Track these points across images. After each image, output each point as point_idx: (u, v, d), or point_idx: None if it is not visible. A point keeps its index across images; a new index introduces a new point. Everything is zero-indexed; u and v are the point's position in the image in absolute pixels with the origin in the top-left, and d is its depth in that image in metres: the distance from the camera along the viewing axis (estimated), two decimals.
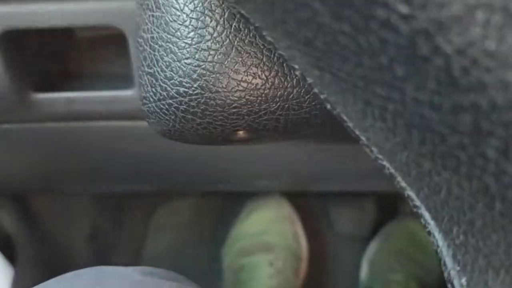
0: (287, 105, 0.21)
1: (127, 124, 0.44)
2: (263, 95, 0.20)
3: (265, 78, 0.20)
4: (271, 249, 0.72)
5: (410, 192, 0.12)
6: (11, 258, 0.64)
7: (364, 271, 0.75)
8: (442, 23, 0.08)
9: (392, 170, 0.12)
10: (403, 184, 0.12)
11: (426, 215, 0.12)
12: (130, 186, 0.61)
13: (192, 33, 0.20)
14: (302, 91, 0.20)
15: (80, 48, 0.45)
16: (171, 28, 0.20)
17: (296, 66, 0.13)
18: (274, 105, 0.21)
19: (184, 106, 0.21)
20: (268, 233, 0.73)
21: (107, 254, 0.79)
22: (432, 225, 0.11)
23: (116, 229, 0.81)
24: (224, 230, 0.81)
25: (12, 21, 0.36)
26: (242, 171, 0.56)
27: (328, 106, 0.13)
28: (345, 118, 0.12)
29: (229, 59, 0.20)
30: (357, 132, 0.12)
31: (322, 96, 0.13)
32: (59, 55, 0.44)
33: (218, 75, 0.20)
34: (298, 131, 0.23)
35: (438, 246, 0.11)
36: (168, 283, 0.28)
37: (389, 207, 0.79)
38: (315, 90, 0.13)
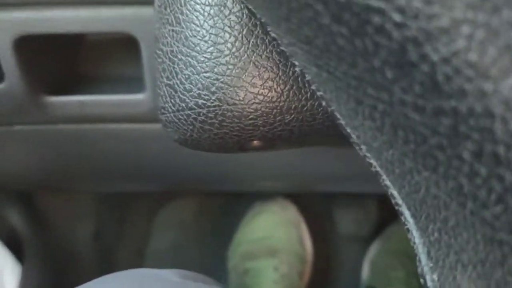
0: (301, 117, 0.22)
1: (136, 126, 0.45)
2: (278, 107, 0.21)
3: (280, 91, 0.21)
4: (276, 253, 0.72)
5: (393, 191, 0.13)
6: (19, 255, 0.65)
7: (365, 271, 0.76)
8: (431, 33, 0.09)
9: (378, 169, 0.13)
10: (387, 182, 0.13)
11: (406, 213, 0.13)
12: (136, 186, 0.62)
13: (211, 48, 0.21)
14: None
15: (92, 52, 0.45)
16: (190, 42, 0.21)
17: (297, 63, 0.14)
18: (288, 116, 0.22)
19: (202, 117, 0.22)
20: (272, 238, 0.74)
21: (111, 251, 0.80)
22: (410, 223, 0.12)
23: (120, 227, 0.82)
24: (228, 230, 0.82)
25: (28, 27, 0.37)
26: (246, 172, 0.57)
27: (324, 103, 0.14)
28: (338, 115, 0.13)
29: (246, 73, 0.21)
30: (349, 130, 0.13)
31: (318, 93, 0.14)
32: (71, 59, 0.45)
33: (235, 88, 0.21)
34: (311, 140, 0.24)
35: (414, 243, 0.12)
36: (205, 286, 0.28)
37: (391, 208, 0.80)
38: (313, 87, 0.14)
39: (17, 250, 0.66)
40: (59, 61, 0.44)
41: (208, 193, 0.82)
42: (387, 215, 0.80)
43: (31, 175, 0.53)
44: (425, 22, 0.09)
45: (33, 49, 0.40)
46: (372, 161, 0.13)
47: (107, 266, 0.79)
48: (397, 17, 0.09)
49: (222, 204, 0.85)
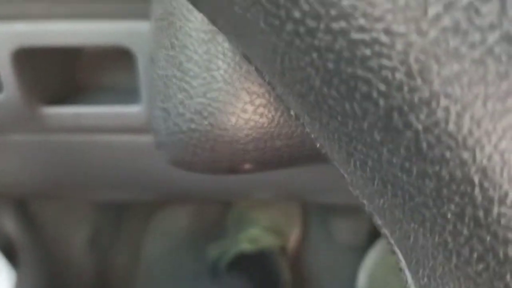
0: (291, 143, 0.22)
1: (132, 137, 0.46)
2: (269, 133, 0.22)
3: (271, 118, 0.22)
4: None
5: (385, 231, 0.13)
6: (13, 262, 0.65)
7: (361, 281, 0.76)
8: (414, 104, 0.10)
9: (371, 210, 0.13)
10: (379, 223, 0.13)
11: (399, 253, 0.13)
12: (130, 195, 0.63)
13: (204, 74, 0.21)
14: (305, 131, 0.22)
15: (89, 63, 0.46)
16: (185, 68, 0.22)
17: (290, 107, 0.14)
18: (279, 142, 0.22)
19: (195, 141, 0.22)
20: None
21: (106, 258, 0.80)
22: (403, 263, 0.13)
23: (115, 234, 0.82)
24: (222, 236, 0.82)
25: (26, 39, 0.38)
26: (240, 182, 0.57)
27: (317, 145, 0.14)
28: (331, 158, 0.14)
29: (238, 100, 0.21)
30: (342, 171, 0.14)
31: (312, 136, 0.14)
32: (68, 70, 0.45)
33: (227, 114, 0.21)
34: (301, 163, 0.25)
35: (407, 282, 0.13)
36: None
37: None
38: (306, 129, 0.14)
39: (11, 256, 0.66)
40: (56, 72, 0.44)
41: (202, 202, 0.83)
42: None
43: (26, 183, 0.54)
44: (408, 94, 0.10)
45: (31, 60, 0.41)
46: (364, 201, 0.13)
47: (101, 272, 0.79)
48: (382, 87, 0.10)
49: (217, 211, 0.85)
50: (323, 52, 0.10)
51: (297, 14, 0.10)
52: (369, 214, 0.14)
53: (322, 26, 0.10)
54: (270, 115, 0.21)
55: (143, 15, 0.37)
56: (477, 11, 0.09)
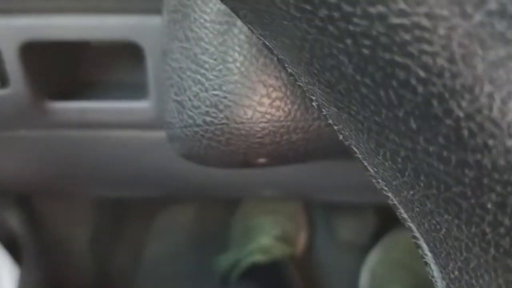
0: (307, 136, 0.22)
1: (138, 133, 0.45)
2: (285, 126, 0.21)
3: (287, 111, 0.21)
4: (276, 213, 0.78)
5: (411, 224, 0.13)
6: (16, 258, 0.65)
7: (364, 280, 0.76)
8: (455, 90, 0.09)
9: (396, 203, 0.13)
10: (405, 216, 0.13)
11: (424, 247, 0.13)
12: (135, 191, 0.62)
13: (220, 66, 0.21)
14: (322, 124, 0.21)
15: (96, 57, 0.45)
16: (200, 60, 0.21)
17: (314, 98, 0.14)
18: (295, 135, 0.22)
19: (210, 134, 0.22)
20: (275, 204, 0.79)
21: (108, 256, 0.80)
22: (429, 256, 0.12)
23: (118, 232, 0.82)
24: (225, 236, 0.82)
25: (33, 33, 0.37)
26: (246, 180, 0.57)
27: (341, 137, 0.14)
28: (355, 150, 0.13)
29: (255, 93, 0.21)
30: (366, 164, 0.13)
31: (335, 127, 0.14)
32: (75, 64, 0.45)
33: (243, 107, 0.21)
34: (316, 157, 0.24)
35: (433, 277, 0.13)
36: None
37: (389, 217, 0.81)
38: (329, 121, 0.14)
39: (15, 252, 0.66)
40: (63, 67, 0.44)
41: (207, 200, 0.82)
42: (386, 224, 0.80)
43: (32, 178, 0.53)
44: (450, 80, 0.09)
45: (38, 55, 0.40)
46: (389, 195, 0.13)
47: (103, 270, 0.79)
48: (422, 74, 0.09)
49: (220, 210, 0.85)
50: (358, 38, 0.10)
51: None
52: (393, 207, 0.13)
53: (358, 10, 0.10)
54: (286, 109, 0.21)
55: (152, 9, 0.37)
56: None
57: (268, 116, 0.21)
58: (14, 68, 0.39)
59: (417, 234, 0.13)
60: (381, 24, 0.10)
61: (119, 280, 0.80)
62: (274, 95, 0.21)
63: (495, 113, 0.09)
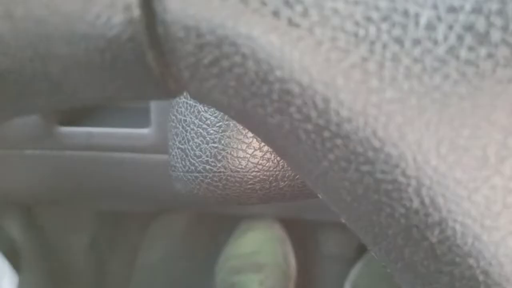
0: (293, 183, 0.25)
1: (139, 156, 0.48)
2: (274, 175, 0.25)
3: (276, 162, 0.25)
4: (262, 268, 0.75)
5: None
6: (16, 266, 0.68)
7: None
8: (428, 224, 0.13)
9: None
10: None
11: None
12: (132, 206, 0.65)
13: (220, 123, 0.25)
14: None
15: None
16: (202, 116, 0.25)
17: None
18: (282, 183, 0.25)
19: (208, 180, 0.25)
20: (259, 253, 0.77)
21: (104, 262, 0.83)
22: None
23: (114, 239, 0.84)
24: (217, 245, 0.84)
25: None
26: None
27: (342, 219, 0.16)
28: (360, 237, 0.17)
29: (249, 146, 0.24)
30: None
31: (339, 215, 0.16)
32: None
33: (239, 158, 0.25)
34: (300, 199, 0.28)
35: None
36: None
37: None
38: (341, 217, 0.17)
39: (14, 259, 0.68)
40: None
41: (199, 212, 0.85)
42: None
43: (36, 194, 0.56)
44: (423, 217, 0.13)
45: None
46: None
47: (100, 276, 0.81)
48: (402, 211, 0.13)
49: (213, 219, 0.87)
50: (353, 183, 0.14)
51: (331, 157, 0.13)
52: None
53: (352, 167, 0.13)
54: (275, 160, 0.25)
55: None
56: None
57: (260, 166, 0.25)
58: None
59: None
60: (370, 176, 0.13)
61: (115, 286, 0.83)
62: (265, 148, 0.25)
63: (458, 241, 0.13)
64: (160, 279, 0.83)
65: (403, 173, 0.13)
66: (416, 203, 0.13)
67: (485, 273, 0.13)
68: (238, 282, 0.75)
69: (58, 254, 0.76)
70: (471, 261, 0.13)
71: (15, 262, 0.68)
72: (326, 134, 0.13)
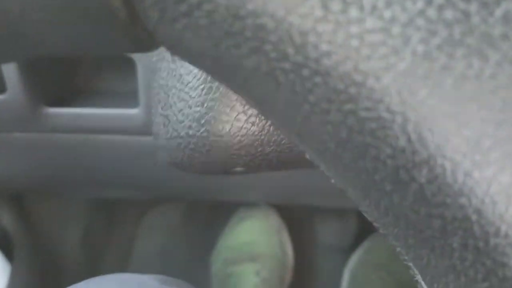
0: (279, 149, 0.25)
1: (128, 138, 0.48)
2: (259, 140, 0.24)
3: (262, 126, 0.24)
4: (258, 258, 0.74)
5: (401, 250, 0.16)
6: (8, 255, 0.67)
7: (345, 281, 0.79)
8: (416, 163, 0.12)
9: (385, 233, 0.16)
10: (394, 243, 0.16)
11: (414, 268, 0.15)
12: (124, 193, 0.65)
13: (202, 85, 0.24)
14: None
15: (90, 66, 0.48)
16: (184, 80, 0.24)
17: (306, 153, 0.15)
18: (268, 148, 0.24)
19: (192, 146, 0.24)
20: (255, 243, 0.76)
21: (98, 254, 0.82)
22: (418, 276, 0.15)
23: (108, 231, 0.84)
24: (213, 235, 0.84)
25: None
26: (231, 183, 0.59)
27: (332, 181, 0.16)
28: (349, 195, 0.16)
29: (233, 110, 0.24)
30: (358, 204, 0.16)
31: (327, 173, 0.15)
32: (71, 72, 0.47)
33: (222, 122, 0.24)
34: (288, 167, 0.27)
35: (415, 277, 0.15)
36: None
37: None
38: (326, 173, 0.16)
39: (7, 249, 0.67)
40: (59, 75, 0.46)
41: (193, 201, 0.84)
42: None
43: (25, 180, 0.55)
44: (410, 155, 0.12)
45: (34, 62, 0.42)
46: (379, 227, 0.15)
47: (94, 268, 0.81)
48: (389, 151, 0.12)
49: (208, 209, 0.87)
50: (336, 125, 0.13)
51: (312, 98, 0.13)
52: (383, 235, 0.16)
53: (334, 107, 0.12)
54: (261, 124, 0.24)
55: None
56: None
57: (244, 130, 0.24)
58: (11, 74, 0.41)
59: (407, 259, 0.15)
60: (353, 116, 0.12)
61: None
62: (250, 112, 0.24)
63: (448, 179, 0.12)
64: (156, 268, 0.82)
65: (388, 109, 0.12)
66: (402, 141, 0.12)
67: (478, 212, 0.12)
68: (234, 272, 0.74)
69: (51, 245, 0.75)
70: (463, 200, 0.12)
71: (7, 252, 0.67)
72: (305, 72, 0.13)
